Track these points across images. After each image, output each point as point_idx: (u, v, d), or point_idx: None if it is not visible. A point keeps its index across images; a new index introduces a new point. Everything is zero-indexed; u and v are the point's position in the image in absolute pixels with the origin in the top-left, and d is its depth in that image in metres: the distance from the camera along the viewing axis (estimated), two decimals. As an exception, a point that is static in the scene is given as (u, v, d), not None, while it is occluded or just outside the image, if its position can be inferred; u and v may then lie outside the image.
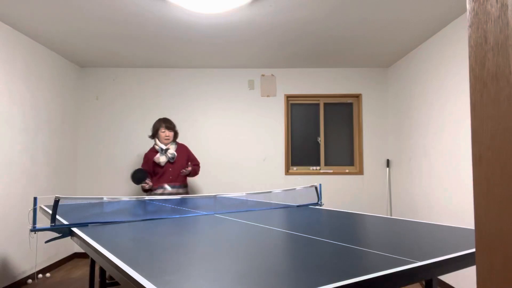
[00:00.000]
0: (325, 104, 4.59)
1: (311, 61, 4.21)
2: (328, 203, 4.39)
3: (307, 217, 1.90)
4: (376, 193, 4.40)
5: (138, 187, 4.39)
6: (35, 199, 1.66)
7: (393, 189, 4.31)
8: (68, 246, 4.24)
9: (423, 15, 2.96)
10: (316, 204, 2.55)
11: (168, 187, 3.46)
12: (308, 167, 4.52)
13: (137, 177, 3.36)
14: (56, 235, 3.80)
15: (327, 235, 1.35)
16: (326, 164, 4.53)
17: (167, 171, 3.47)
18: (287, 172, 4.43)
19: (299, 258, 1.00)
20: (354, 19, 3.03)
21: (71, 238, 1.61)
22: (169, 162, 3.50)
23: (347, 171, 4.46)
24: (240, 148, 4.44)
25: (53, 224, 1.62)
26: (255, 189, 4.41)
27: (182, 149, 3.63)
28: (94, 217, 1.95)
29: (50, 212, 1.94)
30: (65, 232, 1.61)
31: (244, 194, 3.04)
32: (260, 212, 2.16)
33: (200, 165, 4.42)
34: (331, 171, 4.44)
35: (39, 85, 3.63)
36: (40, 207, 2.48)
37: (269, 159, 4.43)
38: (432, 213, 3.40)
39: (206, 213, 2.10)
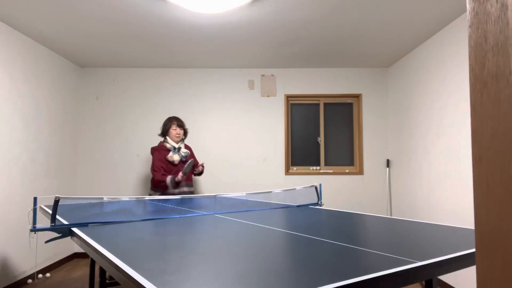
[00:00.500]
0: (325, 104, 4.59)
1: (311, 61, 4.21)
2: (328, 203, 4.39)
3: (307, 217, 1.90)
4: (376, 193, 4.40)
5: (137, 186, 4.39)
6: (35, 199, 1.66)
7: (393, 189, 4.31)
8: (68, 246, 4.24)
9: (423, 15, 2.96)
10: (316, 204, 2.55)
11: (185, 188, 3.48)
12: (308, 167, 4.52)
13: (189, 166, 3.27)
14: (56, 235, 3.80)
15: (327, 235, 1.35)
16: (326, 164, 4.53)
17: (179, 170, 3.46)
18: (287, 172, 4.43)
19: (299, 258, 1.00)
20: (354, 19, 3.03)
21: (71, 238, 1.61)
22: (182, 161, 3.50)
23: (347, 171, 4.46)
24: (240, 148, 4.44)
25: (53, 224, 1.62)
26: (255, 189, 4.41)
27: (189, 150, 3.71)
28: (94, 217, 1.95)
29: (50, 212, 1.94)
30: (65, 232, 1.61)
31: (244, 194, 3.04)
32: (260, 212, 2.16)
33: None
34: (331, 171, 4.44)
35: (39, 85, 3.63)
36: (40, 207, 2.48)
37: (269, 159, 4.43)
38: (432, 213, 3.40)
39: (206, 213, 2.10)
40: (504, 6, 0.42)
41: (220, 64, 4.32)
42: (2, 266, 3.09)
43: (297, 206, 2.46)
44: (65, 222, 1.73)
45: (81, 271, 3.83)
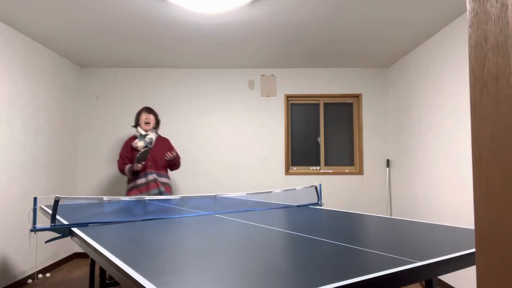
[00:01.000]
0: (325, 104, 4.59)
1: (311, 61, 4.21)
2: (328, 203, 4.39)
3: (307, 217, 1.90)
4: (376, 193, 4.40)
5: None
6: (35, 199, 1.66)
7: (393, 189, 4.31)
8: (68, 246, 4.24)
9: (423, 15, 2.96)
10: (316, 204, 2.55)
11: (150, 176, 3.40)
12: (308, 167, 4.52)
13: (143, 155, 3.29)
14: (56, 235, 3.80)
15: (327, 235, 1.35)
16: (326, 164, 4.53)
17: (146, 158, 3.44)
18: (287, 172, 4.43)
19: (299, 258, 1.00)
20: (354, 19, 3.03)
21: (71, 238, 1.61)
22: (147, 147, 3.48)
23: (347, 171, 4.46)
24: (240, 148, 4.44)
25: (53, 224, 1.62)
26: (255, 189, 4.41)
27: (164, 141, 3.65)
28: (94, 217, 1.95)
29: (50, 212, 1.94)
30: (65, 232, 1.61)
31: (244, 194, 3.04)
32: (260, 212, 2.16)
33: (200, 164, 4.42)
34: (331, 171, 4.44)
35: (39, 85, 3.63)
36: (40, 207, 2.48)
37: (269, 159, 4.43)
38: (432, 213, 3.40)
39: (206, 213, 2.10)
40: (504, 6, 0.42)
41: (220, 64, 4.32)
42: (2, 266, 3.09)
43: (297, 206, 2.46)
44: (65, 222, 1.73)
45: (81, 271, 3.83)
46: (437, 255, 1.02)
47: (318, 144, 4.55)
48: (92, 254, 1.23)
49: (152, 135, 3.53)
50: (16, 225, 3.28)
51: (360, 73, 4.50)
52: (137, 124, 3.60)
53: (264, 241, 1.25)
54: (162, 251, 1.12)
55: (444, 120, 3.18)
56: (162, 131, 4.44)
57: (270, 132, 4.46)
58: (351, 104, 4.59)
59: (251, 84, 4.49)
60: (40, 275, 3.58)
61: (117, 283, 2.63)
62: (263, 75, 4.50)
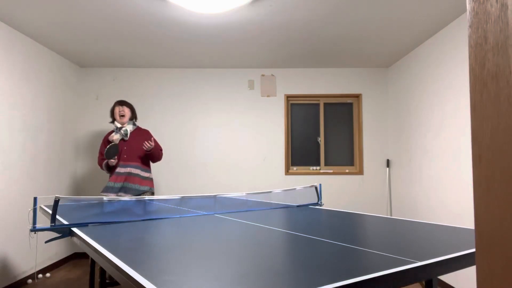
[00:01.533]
0: (325, 104, 4.59)
1: (311, 61, 4.21)
2: (328, 203, 4.39)
3: (307, 217, 1.90)
4: (376, 193, 4.40)
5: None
6: (35, 199, 1.66)
7: (393, 189, 4.31)
8: (68, 246, 4.24)
9: (423, 15, 2.96)
10: (316, 204, 2.55)
11: (121, 168, 3.32)
12: (308, 167, 4.52)
13: (109, 151, 3.24)
14: (56, 235, 3.80)
15: (327, 235, 1.35)
16: (326, 164, 4.53)
17: (122, 150, 3.38)
18: (287, 172, 4.43)
19: (299, 258, 1.00)
20: (354, 19, 3.03)
21: (71, 238, 1.61)
22: (123, 140, 3.43)
23: (347, 171, 4.46)
24: (240, 148, 4.44)
25: (53, 224, 1.62)
26: (255, 189, 4.41)
27: (142, 132, 3.56)
28: (94, 217, 1.95)
29: (50, 212, 1.94)
30: (65, 232, 1.61)
31: (244, 194, 3.04)
32: (260, 212, 2.16)
33: (200, 164, 4.42)
34: (331, 171, 4.44)
35: (39, 85, 3.63)
36: (40, 207, 2.48)
37: (269, 159, 4.43)
38: (432, 213, 3.40)
39: (206, 213, 2.10)
40: (504, 6, 0.42)
41: (220, 64, 4.32)
42: (2, 266, 3.09)
43: (297, 206, 2.46)
44: (65, 222, 1.73)
45: (81, 271, 3.83)
46: (437, 255, 1.02)
47: (318, 144, 4.55)
48: (92, 254, 1.23)
49: (128, 127, 3.45)
50: (16, 225, 3.28)
51: (360, 73, 4.50)
52: (113, 119, 3.54)
53: (264, 241, 1.25)
54: (162, 251, 1.13)
55: (444, 120, 3.18)
56: (162, 131, 4.44)
57: (270, 132, 4.45)
58: (351, 104, 4.59)
59: (251, 84, 4.49)
60: (40, 275, 3.58)
61: (117, 283, 2.63)
62: (263, 75, 4.50)
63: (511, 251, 0.41)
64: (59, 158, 3.99)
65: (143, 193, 3.39)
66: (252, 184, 4.41)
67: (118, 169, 3.33)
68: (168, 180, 4.40)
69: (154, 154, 3.43)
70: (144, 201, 2.91)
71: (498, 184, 0.43)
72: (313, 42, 3.60)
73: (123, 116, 3.47)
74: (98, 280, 2.41)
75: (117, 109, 3.49)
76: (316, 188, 2.62)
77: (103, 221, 1.76)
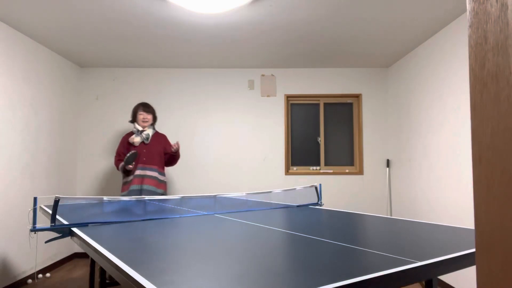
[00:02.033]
0: (325, 104, 4.59)
1: (311, 61, 4.21)
2: (328, 203, 4.39)
3: (307, 217, 1.90)
4: (376, 193, 4.40)
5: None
6: (35, 199, 1.66)
7: (393, 189, 4.31)
8: (68, 246, 4.24)
9: (423, 15, 2.96)
10: (316, 204, 2.55)
11: (139, 171, 3.39)
12: (308, 167, 4.52)
13: (129, 158, 3.30)
14: (56, 235, 3.80)
15: (327, 235, 1.35)
16: (326, 164, 4.53)
17: (142, 152, 3.45)
18: (287, 172, 4.43)
19: (299, 258, 1.00)
20: (354, 19, 3.03)
21: (71, 238, 1.61)
22: (144, 143, 3.49)
23: (347, 171, 4.46)
24: (240, 148, 4.44)
25: (53, 224, 1.62)
26: (255, 189, 4.41)
27: (160, 136, 3.65)
28: (94, 217, 1.95)
29: (50, 212, 1.94)
30: (65, 232, 1.61)
31: (244, 194, 3.04)
32: (260, 212, 2.16)
33: (200, 164, 4.42)
34: (331, 171, 4.44)
35: (39, 85, 3.63)
36: (40, 207, 2.48)
37: (269, 159, 4.43)
38: (432, 213, 3.40)
39: (206, 213, 2.10)
40: (504, 6, 0.42)
41: (220, 64, 4.32)
42: (2, 266, 3.09)
43: (297, 206, 2.46)
44: (65, 222, 1.73)
45: (81, 271, 3.83)
46: (437, 255, 1.02)
47: (318, 144, 4.55)
48: (92, 254, 1.23)
49: (149, 131, 3.53)
50: (16, 225, 3.28)
51: (360, 73, 4.50)
52: (134, 120, 3.60)
53: (264, 241, 1.25)
54: (162, 251, 1.12)
55: (444, 120, 3.18)
56: (162, 131, 4.44)
57: (270, 132, 4.46)
58: (351, 104, 4.59)
59: (251, 84, 4.49)
60: (40, 275, 3.58)
61: (117, 283, 2.63)
62: (263, 75, 4.50)
63: (511, 251, 0.41)
64: (59, 158, 3.99)
65: (156, 194, 3.46)
66: (252, 184, 4.41)
67: (138, 172, 3.40)
68: (168, 180, 4.40)
69: (176, 158, 3.61)
70: (144, 201, 2.91)
71: (498, 184, 0.43)
72: (313, 42, 3.60)
73: (146, 122, 3.53)
74: (98, 280, 2.41)
75: (141, 116, 3.53)
76: (316, 188, 2.62)
77: (103, 221, 1.76)
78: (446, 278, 3.17)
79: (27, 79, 3.43)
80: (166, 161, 3.64)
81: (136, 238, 1.34)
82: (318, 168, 4.50)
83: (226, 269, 0.91)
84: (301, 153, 4.55)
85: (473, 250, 1.09)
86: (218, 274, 0.87)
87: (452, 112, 3.05)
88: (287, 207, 2.42)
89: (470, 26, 0.47)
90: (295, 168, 4.52)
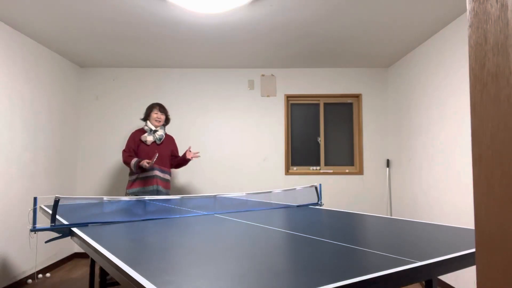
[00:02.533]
0: (325, 104, 4.59)
1: (311, 61, 4.21)
2: (328, 203, 4.39)
3: (307, 217, 1.90)
4: (376, 193, 4.40)
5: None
6: (35, 199, 1.66)
7: (393, 189, 4.31)
8: (68, 246, 4.24)
9: (423, 15, 2.96)
10: (316, 204, 2.55)
11: (157, 171, 3.43)
12: (308, 167, 4.52)
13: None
14: (56, 235, 3.80)
15: (327, 235, 1.35)
16: (326, 164, 4.53)
17: (153, 152, 3.46)
18: (287, 172, 4.43)
19: (299, 258, 1.00)
20: (354, 19, 3.03)
21: (71, 238, 1.61)
22: (155, 143, 3.50)
23: (347, 171, 4.46)
24: (240, 148, 4.44)
25: (53, 224, 1.62)
26: (255, 189, 4.41)
27: (170, 138, 3.68)
28: (94, 217, 1.95)
29: (50, 212, 1.94)
30: (65, 232, 1.61)
31: (244, 194, 3.04)
32: (260, 212, 2.16)
33: (200, 164, 4.42)
34: (331, 171, 4.44)
35: (39, 85, 3.63)
36: (40, 207, 2.48)
37: (269, 159, 4.43)
38: (432, 213, 3.40)
39: (206, 213, 2.10)
40: (504, 6, 0.42)
41: (220, 64, 4.32)
42: (2, 266, 3.09)
43: (297, 206, 2.46)
44: (65, 222, 1.73)
45: (81, 271, 3.83)
46: (437, 255, 1.02)
47: (318, 144, 4.55)
48: (92, 254, 1.23)
49: (161, 132, 3.54)
50: (16, 225, 3.28)
51: (360, 73, 4.50)
52: (146, 118, 3.59)
53: (264, 241, 1.25)
54: (162, 251, 1.12)
55: (444, 120, 3.18)
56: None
57: (270, 132, 4.46)
58: (351, 104, 4.59)
59: (251, 84, 4.49)
60: (40, 275, 3.58)
61: (117, 283, 2.63)
62: (263, 75, 4.50)
63: (511, 251, 0.41)
64: (59, 158, 3.99)
65: (167, 194, 3.49)
66: (252, 184, 4.41)
67: (151, 172, 3.41)
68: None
69: (186, 163, 3.65)
70: (144, 201, 2.91)
71: (498, 184, 0.43)
72: (313, 42, 3.60)
73: (159, 121, 3.54)
74: (98, 280, 2.41)
75: (155, 114, 3.53)
76: (316, 188, 2.62)
77: (103, 221, 1.76)
78: (446, 278, 3.17)
79: (27, 79, 3.43)
80: (174, 163, 3.67)
81: (136, 238, 1.34)
82: (318, 168, 4.50)
83: (226, 269, 0.91)
84: (301, 153, 4.55)
85: (473, 250, 1.09)
86: (218, 274, 0.87)
87: (452, 112, 3.05)
88: (287, 207, 2.42)
89: (470, 26, 0.47)
90: (295, 168, 4.52)
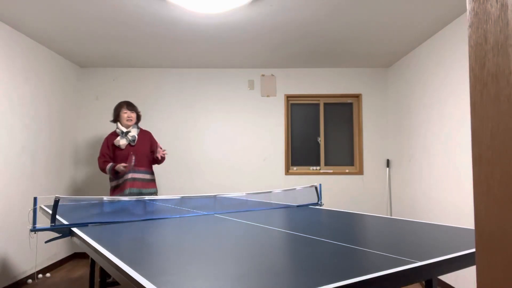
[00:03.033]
0: (325, 104, 4.59)
1: (311, 61, 4.21)
2: (328, 203, 4.39)
3: (307, 217, 1.90)
4: (376, 193, 4.40)
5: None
6: (35, 199, 1.66)
7: (393, 189, 4.31)
8: (68, 246, 4.24)
9: (423, 15, 2.96)
10: (316, 204, 2.55)
11: (133, 174, 3.33)
12: (308, 167, 4.52)
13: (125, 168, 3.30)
14: (56, 235, 3.80)
15: (327, 235, 1.35)
16: (326, 164, 4.53)
17: (129, 155, 3.34)
18: (287, 172, 4.43)
19: (299, 258, 1.00)
20: (354, 19, 3.03)
21: (71, 238, 1.61)
22: (130, 145, 3.39)
23: (347, 171, 4.46)
24: (240, 148, 4.44)
25: (53, 224, 1.62)
26: (255, 189, 4.41)
27: (145, 134, 3.54)
28: (94, 217, 1.95)
29: (50, 212, 1.94)
30: (65, 232, 1.61)
31: (244, 194, 3.04)
32: (260, 212, 2.16)
33: (200, 164, 4.42)
34: (331, 171, 4.44)
35: (39, 85, 3.63)
36: (40, 207, 2.48)
37: (269, 159, 4.43)
38: (432, 213, 3.40)
39: (206, 213, 2.10)
40: (504, 6, 0.42)
41: (220, 64, 4.32)
42: (2, 266, 3.09)
43: (297, 206, 2.46)
44: (65, 222, 1.73)
45: (81, 271, 3.83)
46: (437, 255, 1.02)
47: (318, 144, 4.55)
48: (92, 254, 1.23)
49: (133, 131, 3.41)
50: (16, 225, 3.28)
51: (360, 73, 4.50)
52: (116, 120, 3.49)
53: (264, 241, 1.25)
54: (162, 251, 1.12)
55: (444, 120, 3.18)
56: (162, 131, 4.44)
57: (270, 132, 4.46)
58: (351, 104, 4.59)
59: (251, 84, 4.49)
60: (40, 275, 3.58)
61: (117, 283, 2.63)
62: (263, 75, 4.50)
63: (511, 251, 0.41)
64: (59, 158, 3.99)
65: (150, 194, 3.41)
66: (252, 184, 4.41)
67: (132, 175, 3.32)
68: (168, 181, 4.40)
69: (161, 162, 3.52)
70: (144, 201, 2.91)
71: (498, 184, 0.43)
72: (313, 42, 3.60)
73: (130, 120, 3.43)
74: (98, 280, 2.41)
75: (125, 114, 3.42)
76: (316, 188, 2.62)
77: (103, 221, 1.76)
78: (446, 278, 3.17)
79: (27, 79, 3.43)
80: (151, 160, 3.55)
81: (136, 238, 1.34)
82: (318, 168, 4.50)
83: (226, 269, 0.91)
84: (301, 153, 4.55)
85: (473, 250, 1.09)
86: (218, 274, 0.87)
87: (452, 112, 3.05)
88: (287, 207, 2.42)
89: (470, 26, 0.47)
90: (295, 168, 4.52)
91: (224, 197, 3.25)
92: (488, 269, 0.44)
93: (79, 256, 4.37)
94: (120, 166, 3.23)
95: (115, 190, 3.39)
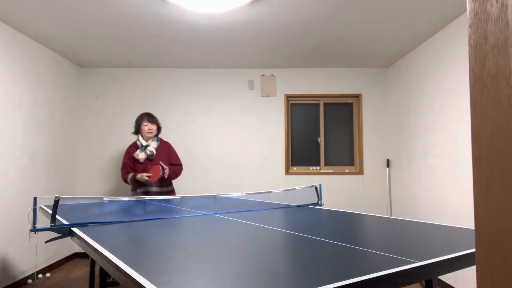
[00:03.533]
0: (325, 104, 4.59)
1: (311, 61, 4.21)
2: (328, 203, 4.39)
3: (307, 217, 1.90)
4: (376, 193, 4.40)
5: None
6: (35, 199, 1.66)
7: (393, 189, 4.31)
8: (68, 246, 4.24)
9: (423, 15, 2.96)
10: (316, 204, 2.55)
11: (153, 188, 3.38)
12: (308, 167, 4.52)
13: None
14: (56, 235, 3.80)
15: (327, 235, 1.35)
16: (326, 164, 4.53)
17: (146, 168, 3.38)
18: (287, 172, 4.43)
19: (299, 258, 1.00)
20: (354, 19, 3.03)
21: (71, 238, 1.61)
22: (148, 159, 3.42)
23: (347, 171, 4.46)
24: (240, 148, 4.44)
25: (53, 224, 1.62)
26: (255, 189, 4.41)
27: (164, 147, 3.54)
28: (94, 217, 1.95)
29: (50, 212, 1.94)
30: (65, 232, 1.61)
31: (244, 194, 3.04)
32: (260, 212, 2.16)
33: (200, 164, 4.42)
34: (331, 171, 4.44)
35: (39, 85, 3.63)
36: (40, 207, 2.48)
37: (269, 159, 4.43)
38: (432, 213, 3.40)
39: (206, 213, 2.10)
40: (504, 6, 0.42)
41: (220, 64, 4.32)
42: (2, 266, 3.09)
43: (297, 206, 2.46)
44: (65, 222, 1.73)
45: (81, 271, 3.83)
46: (437, 255, 1.02)
47: (318, 144, 4.55)
48: (92, 254, 1.24)
49: (153, 144, 3.44)
50: (16, 225, 3.28)
51: (360, 73, 4.50)
52: (137, 131, 3.51)
53: (264, 241, 1.25)
54: (162, 251, 1.12)
55: (444, 120, 3.18)
56: (162, 132, 4.44)
57: (270, 132, 4.46)
58: (351, 104, 4.59)
59: (251, 84, 4.49)
60: (40, 275, 3.58)
61: (117, 283, 2.63)
62: (263, 75, 4.50)
63: (511, 251, 0.41)
64: (59, 158, 3.99)
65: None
66: (252, 184, 4.41)
67: (148, 189, 3.37)
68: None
69: (172, 177, 3.49)
70: (144, 201, 2.91)
71: (498, 184, 0.43)
72: (313, 42, 3.60)
73: (151, 133, 3.45)
74: (98, 280, 2.41)
75: (145, 127, 3.44)
76: (316, 188, 2.62)
77: (103, 221, 1.76)
78: (446, 278, 3.17)
79: (27, 79, 3.43)
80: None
81: (136, 238, 1.34)
82: (318, 168, 4.50)
83: (226, 269, 0.91)
84: (301, 153, 4.55)
85: (473, 250, 1.09)
86: (218, 274, 0.87)
87: (452, 112, 3.05)
88: (287, 207, 2.42)
89: (470, 26, 0.47)
90: (295, 168, 4.52)
91: (224, 197, 3.25)
92: (488, 269, 0.44)
93: (79, 256, 4.37)
94: (144, 176, 3.26)
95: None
